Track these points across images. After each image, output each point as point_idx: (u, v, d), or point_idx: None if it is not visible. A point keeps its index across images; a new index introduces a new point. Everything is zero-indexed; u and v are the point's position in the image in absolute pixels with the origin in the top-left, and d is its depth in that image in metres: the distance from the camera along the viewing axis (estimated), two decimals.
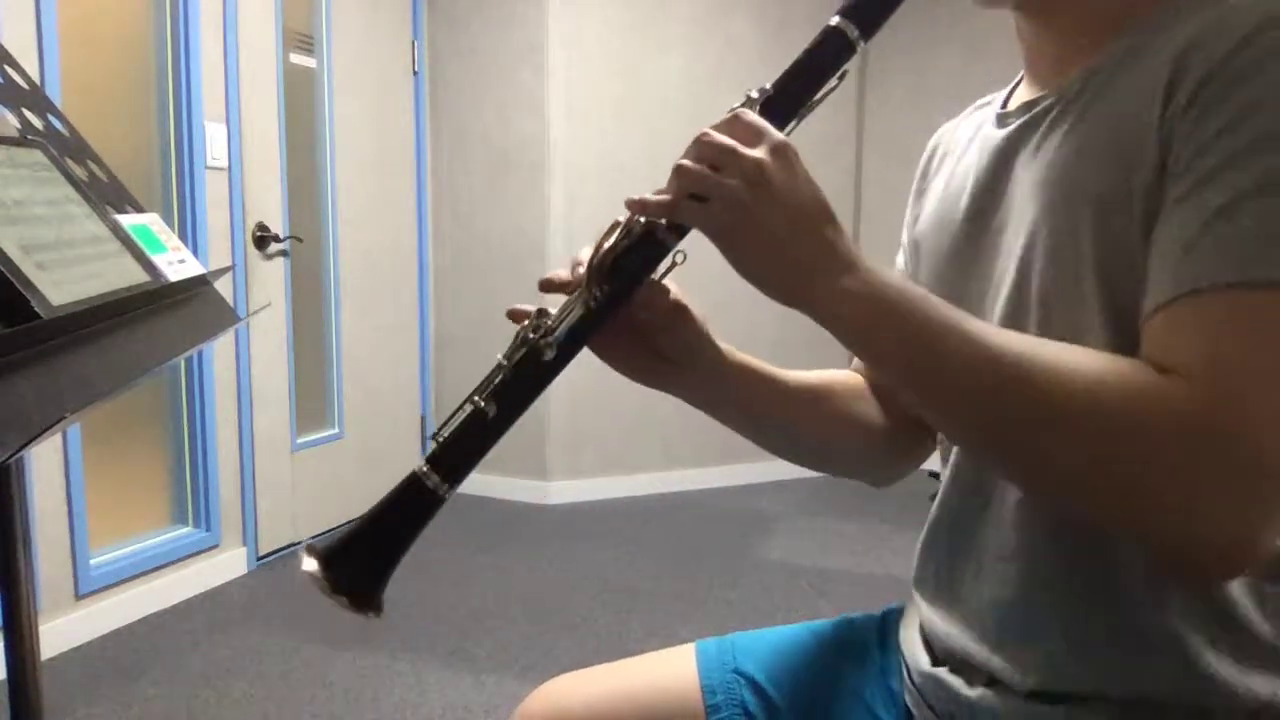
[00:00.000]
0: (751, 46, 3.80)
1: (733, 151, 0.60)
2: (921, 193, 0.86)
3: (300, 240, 3.10)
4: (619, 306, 0.66)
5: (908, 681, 0.78)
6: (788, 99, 0.65)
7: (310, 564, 0.62)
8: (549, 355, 0.64)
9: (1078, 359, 0.57)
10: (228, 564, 2.86)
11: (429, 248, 3.81)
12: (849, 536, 3.32)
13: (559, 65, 3.58)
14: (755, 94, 0.65)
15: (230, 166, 2.78)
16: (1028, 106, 0.70)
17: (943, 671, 0.72)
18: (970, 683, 0.70)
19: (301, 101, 3.13)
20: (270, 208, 2.97)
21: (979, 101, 0.84)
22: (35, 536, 2.22)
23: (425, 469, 0.63)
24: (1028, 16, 0.71)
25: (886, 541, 3.26)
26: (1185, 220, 0.55)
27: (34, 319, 0.76)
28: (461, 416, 0.64)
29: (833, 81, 0.65)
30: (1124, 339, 0.59)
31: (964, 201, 0.75)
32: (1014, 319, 0.66)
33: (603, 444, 3.77)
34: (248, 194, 2.87)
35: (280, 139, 3.00)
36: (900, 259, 0.89)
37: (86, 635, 2.40)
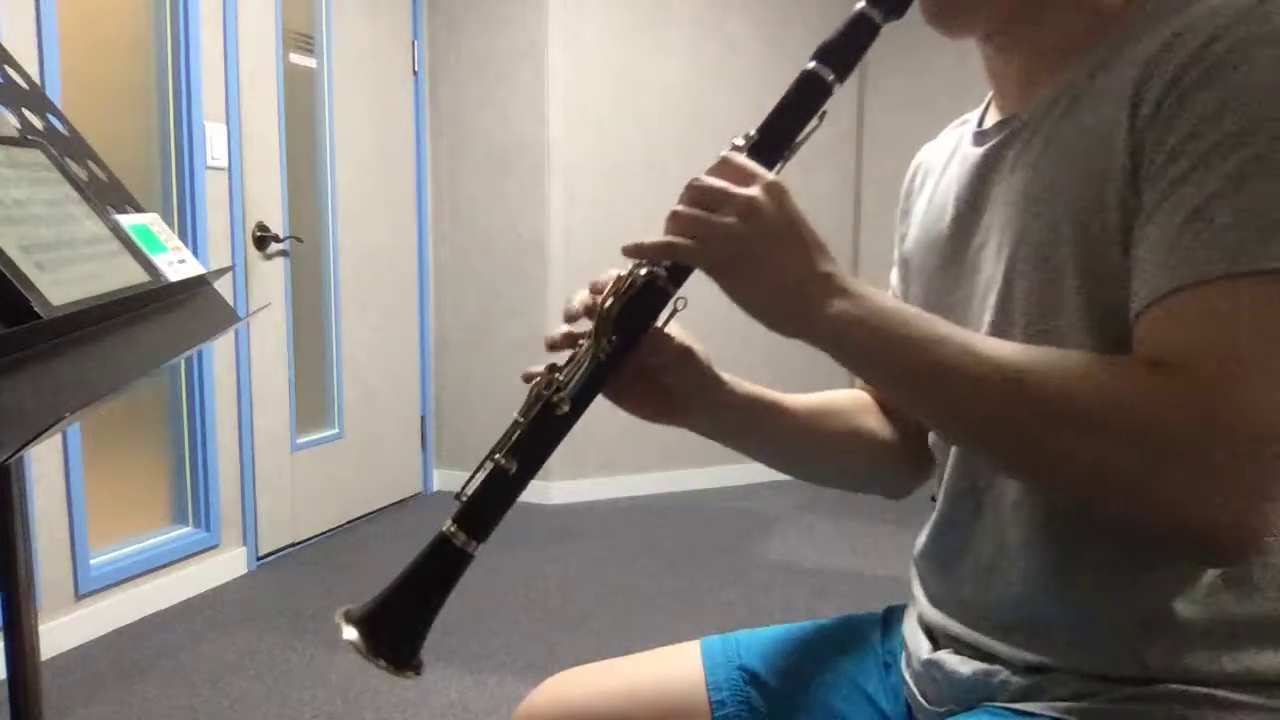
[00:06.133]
0: (751, 46, 3.79)
1: (724, 191, 0.62)
2: (906, 212, 0.89)
3: (300, 240, 3.10)
4: (628, 355, 0.68)
5: (907, 671, 0.80)
6: (773, 143, 0.67)
7: (350, 632, 0.65)
8: (564, 409, 0.67)
9: (1076, 359, 0.59)
10: (228, 564, 2.86)
11: (429, 248, 3.81)
12: (849, 536, 3.32)
13: (559, 65, 3.58)
14: (742, 140, 0.68)
15: (230, 166, 2.78)
16: (1002, 125, 0.73)
17: (943, 654, 0.74)
18: (967, 662, 0.71)
19: (301, 101, 3.13)
20: (270, 208, 2.97)
21: (956, 121, 0.87)
22: (35, 536, 2.22)
23: (453, 528, 0.67)
24: (995, 47, 0.74)
25: (886, 541, 3.26)
26: (1165, 223, 0.57)
27: (34, 319, 0.76)
28: (483, 474, 0.67)
29: (814, 122, 0.68)
30: (1104, 344, 0.62)
31: (947, 217, 0.77)
32: (1000, 328, 0.69)
33: (603, 444, 3.77)
34: (248, 194, 2.87)
35: (280, 139, 3.00)
36: (893, 276, 0.92)
37: (86, 635, 2.40)
